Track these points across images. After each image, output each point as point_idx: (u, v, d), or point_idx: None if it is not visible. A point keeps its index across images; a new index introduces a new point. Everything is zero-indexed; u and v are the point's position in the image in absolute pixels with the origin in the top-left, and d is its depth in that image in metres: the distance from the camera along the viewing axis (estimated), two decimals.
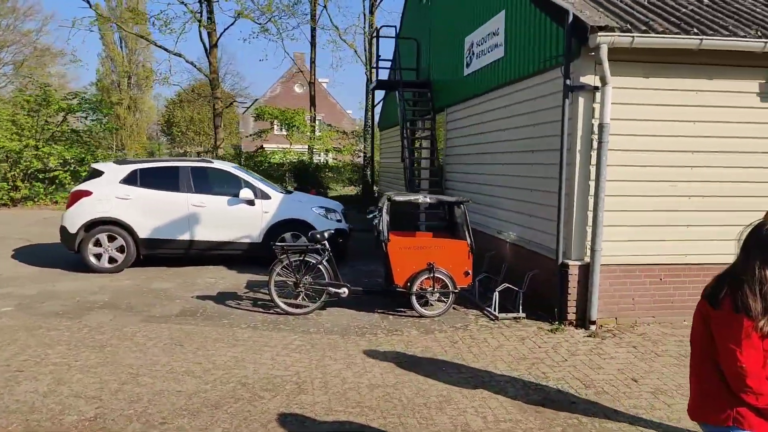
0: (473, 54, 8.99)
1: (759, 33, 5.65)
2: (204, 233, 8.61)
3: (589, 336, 5.50)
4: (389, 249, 6.21)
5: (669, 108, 5.79)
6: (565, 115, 5.77)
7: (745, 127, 5.90)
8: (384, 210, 6.26)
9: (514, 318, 6.06)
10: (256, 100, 44.70)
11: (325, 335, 5.56)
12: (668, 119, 5.80)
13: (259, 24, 23.73)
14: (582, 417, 3.86)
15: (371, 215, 6.44)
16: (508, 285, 6.29)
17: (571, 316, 5.81)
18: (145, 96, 47.82)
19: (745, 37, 5.55)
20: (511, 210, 7.32)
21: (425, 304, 6.30)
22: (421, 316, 6.15)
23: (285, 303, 6.27)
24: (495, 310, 6.15)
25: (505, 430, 3.67)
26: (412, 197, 6.71)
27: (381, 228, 6.25)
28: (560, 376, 4.54)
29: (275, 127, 29.36)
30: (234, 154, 23.97)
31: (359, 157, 24.10)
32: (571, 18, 5.63)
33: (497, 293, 6.20)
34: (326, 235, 6.35)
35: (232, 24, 29.91)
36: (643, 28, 5.52)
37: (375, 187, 19.14)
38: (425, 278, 6.17)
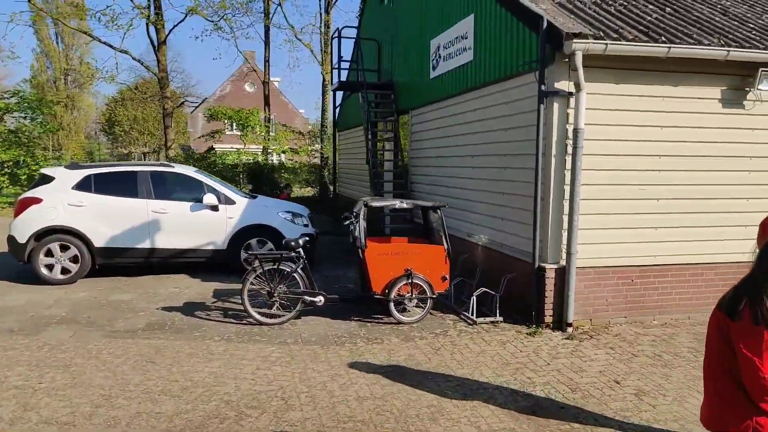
0: (440, 57, 9.03)
1: (722, 42, 5.92)
2: (165, 241, 8.28)
3: (567, 338, 5.62)
4: (367, 256, 6.14)
5: (638, 113, 5.99)
6: (541, 120, 5.87)
7: (709, 132, 6.18)
8: (361, 216, 6.19)
9: (492, 322, 6.12)
10: (205, 99, 43.59)
11: (304, 346, 5.44)
12: (637, 124, 6.00)
13: (212, 21, 23.10)
14: (573, 421, 3.92)
15: (347, 222, 6.35)
16: (484, 289, 6.35)
17: (548, 319, 5.92)
18: (84, 93, 45.70)
19: (709, 45, 5.81)
20: (484, 213, 7.39)
21: (402, 310, 6.27)
22: (399, 322, 6.12)
23: (259, 313, 6.10)
24: (473, 314, 6.19)
25: None
26: (388, 202, 6.67)
27: (357, 234, 6.18)
28: (546, 381, 4.60)
29: (228, 127, 28.68)
30: (184, 156, 23.24)
31: (316, 157, 23.86)
32: (545, 24, 5.73)
33: (474, 298, 6.24)
34: (301, 242, 6.22)
35: (182, 20, 28.82)
36: (614, 35, 5.68)
37: (333, 189, 18.97)
38: (403, 284, 6.14)
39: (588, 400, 4.27)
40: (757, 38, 6.23)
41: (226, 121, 26.34)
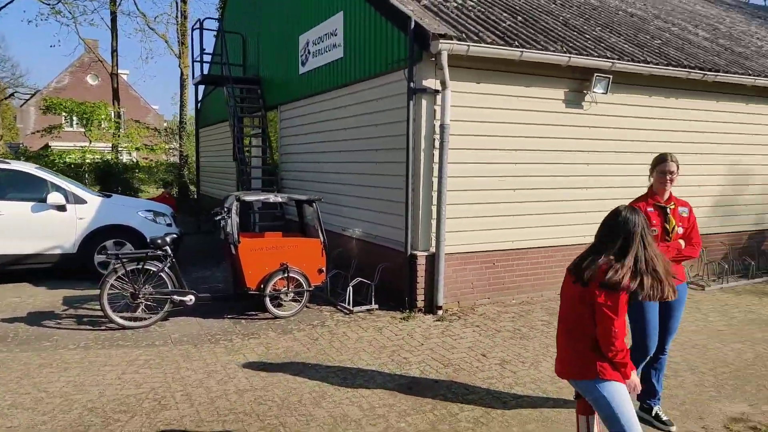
0: (309, 53, 9.17)
1: (564, 48, 6.79)
2: (2, 246, 7.41)
3: (438, 320, 6.07)
4: (240, 251, 6.08)
5: (497, 111, 6.65)
6: (410, 116, 6.27)
7: (554, 128, 7.04)
8: (233, 210, 6.10)
9: (368, 310, 6.39)
10: (38, 91, 39.07)
11: (175, 346, 5.25)
12: (496, 121, 6.66)
13: (48, 5, 20.88)
14: (447, 393, 4.29)
15: (218, 217, 6.22)
16: (360, 279, 6.60)
17: (420, 304, 6.33)
18: None
19: (554, 51, 6.63)
20: (358, 207, 7.66)
21: (279, 305, 6.29)
22: (276, 317, 6.14)
23: (121, 317, 5.75)
24: (349, 304, 6.41)
25: (382, 415, 3.92)
26: (262, 196, 6.64)
27: (230, 230, 6.09)
28: (420, 360, 4.95)
29: (68, 122, 26.07)
30: (14, 155, 20.68)
31: (174, 156, 22.65)
32: (413, 25, 6.14)
33: (351, 288, 6.46)
34: (168, 240, 5.97)
35: (10, 2, 25.58)
36: (475, 38, 6.26)
37: (196, 189, 18.17)
38: (279, 278, 6.17)
39: (459, 373, 4.68)
40: (592, 47, 7.24)
41: (65, 116, 23.95)
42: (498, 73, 6.59)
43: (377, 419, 3.86)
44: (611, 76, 7.04)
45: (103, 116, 21.08)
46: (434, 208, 6.31)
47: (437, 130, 6.26)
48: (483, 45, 6.16)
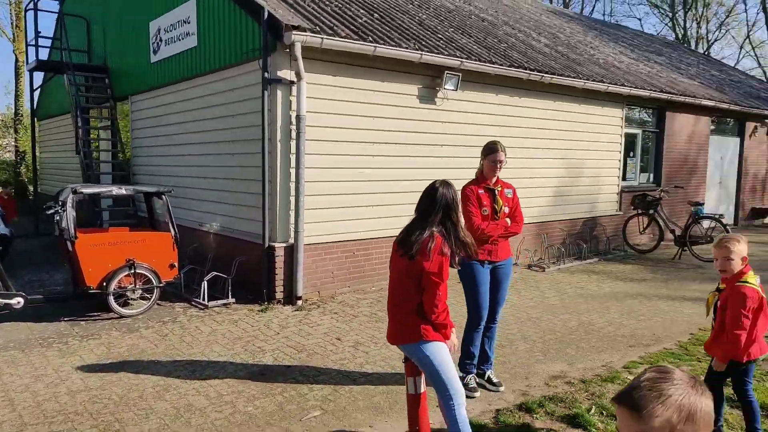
0: (161, 40, 8.80)
1: (417, 46, 7.21)
2: None
3: (297, 310, 6.16)
4: (77, 247, 5.69)
5: (354, 104, 6.88)
6: (265, 106, 6.29)
7: (409, 123, 7.45)
8: (68, 204, 5.70)
9: (224, 304, 6.30)
10: None
11: None
12: (354, 114, 6.89)
13: None
14: (298, 376, 4.39)
15: (51, 211, 5.77)
16: (216, 273, 6.49)
17: (279, 295, 6.38)
18: None
19: (407, 48, 7.01)
20: (215, 201, 7.50)
21: (125, 304, 5.98)
22: (122, 316, 5.84)
23: None
24: (204, 299, 6.27)
25: (229, 402, 3.92)
26: (104, 188, 6.27)
27: (65, 225, 5.68)
28: (275, 347, 5.01)
29: None
30: None
31: (9, 152, 20.39)
32: (266, 15, 6.17)
33: (205, 282, 6.33)
34: None
35: None
36: (330, 32, 6.43)
37: (34, 187, 16.51)
38: (124, 275, 5.87)
39: (312, 357, 4.81)
40: (444, 46, 7.75)
41: None
42: (354, 67, 6.83)
43: (224, 405, 3.86)
44: (461, 74, 7.60)
45: None
46: (293, 200, 6.38)
47: (293, 121, 6.35)
48: (337, 39, 6.36)
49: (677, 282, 7.98)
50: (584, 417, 3.73)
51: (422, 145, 7.62)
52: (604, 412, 3.82)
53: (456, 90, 7.67)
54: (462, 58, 7.57)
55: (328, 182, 6.71)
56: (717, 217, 9.77)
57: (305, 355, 4.85)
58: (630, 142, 11.20)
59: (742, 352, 3.19)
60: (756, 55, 34.94)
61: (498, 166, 4.17)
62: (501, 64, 8.08)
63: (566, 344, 5.26)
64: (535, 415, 3.81)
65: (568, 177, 9.71)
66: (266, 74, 6.24)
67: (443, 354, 2.97)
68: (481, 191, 4.20)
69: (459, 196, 3.07)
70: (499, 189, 4.26)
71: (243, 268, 6.63)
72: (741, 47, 35.57)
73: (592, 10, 38.34)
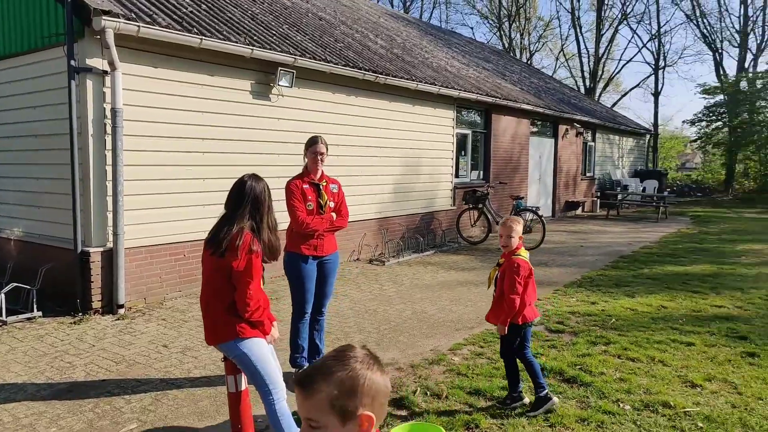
0: None
1: (248, 40, 7.06)
2: None
3: (118, 319, 5.70)
4: None
5: (180, 98, 6.54)
6: (73, 98, 5.74)
7: (244, 119, 7.27)
8: None
9: (28, 319, 5.63)
10: None
11: None
12: (180, 108, 6.55)
13: None
14: (114, 389, 4.07)
15: None
16: (17, 284, 5.77)
17: (97, 304, 5.85)
18: None
19: (237, 42, 6.83)
20: (15, 203, 6.68)
21: None
22: None
23: None
24: (2, 315, 5.54)
25: (28, 425, 3.52)
26: None
27: None
28: (88, 361, 4.59)
29: None
30: None
31: None
32: None
33: (3, 295, 5.59)
34: None
35: None
36: (148, 20, 6.05)
37: None
38: None
39: (133, 367, 4.48)
40: (277, 42, 7.70)
41: None
42: (179, 59, 6.50)
43: (21, 430, 3.45)
44: (295, 71, 7.60)
45: None
46: (110, 200, 5.89)
47: (108, 114, 5.87)
48: (156, 28, 6.00)
49: None
50: (409, 398, 3.93)
51: (258, 142, 7.49)
52: (427, 392, 4.06)
53: (291, 87, 7.66)
54: (296, 55, 7.57)
55: (152, 180, 6.31)
56: (534, 209, 10.91)
57: (124, 366, 4.51)
58: (462, 142, 12.07)
59: (518, 314, 3.69)
60: (569, 65, 39.69)
61: (319, 158, 4.23)
62: (336, 63, 8.23)
63: (399, 333, 5.51)
64: None
65: (407, 174, 10.19)
66: (73, 62, 5.69)
67: (260, 350, 2.94)
68: (305, 186, 4.23)
69: (268, 191, 3.04)
70: (324, 184, 4.32)
71: (52, 277, 5.98)
72: (557, 58, 40.19)
73: (430, 16, 40.84)
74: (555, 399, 3.79)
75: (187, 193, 6.66)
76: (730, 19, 50.57)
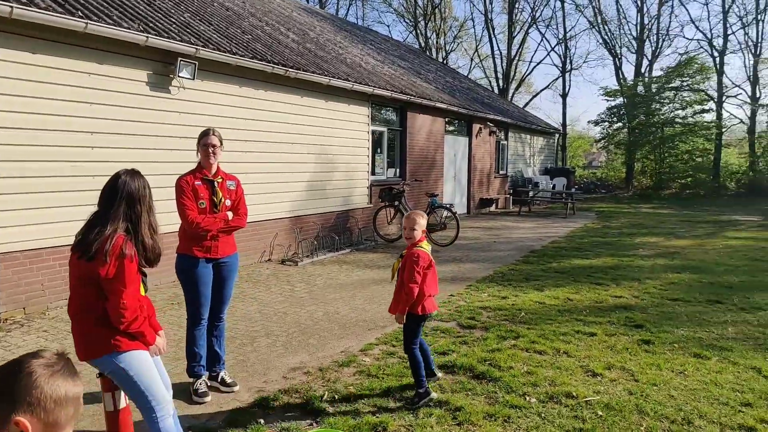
0: None
1: (142, 27, 6.58)
2: None
3: None
4: None
5: (64, 87, 5.98)
6: None
7: (140, 112, 6.78)
8: None
9: None
10: None
11: None
12: (64, 99, 6.00)
13: None
14: None
15: None
16: None
17: None
18: None
19: (128, 29, 6.35)
20: None
21: None
22: None
23: None
24: None
25: None
26: None
27: None
28: None
29: None
30: None
31: None
32: None
33: None
34: None
35: None
36: (24, 0, 5.48)
37: None
38: None
39: None
40: (177, 31, 7.25)
41: None
42: (64, 46, 5.94)
43: None
44: (197, 63, 7.20)
45: None
46: None
47: None
48: (33, 9, 5.43)
49: None
50: (316, 404, 3.76)
51: (157, 137, 7.02)
52: (336, 396, 3.90)
53: (193, 79, 7.24)
54: (198, 45, 7.17)
55: (32, 178, 5.72)
56: (448, 206, 11.04)
57: None
58: (378, 139, 12.02)
59: (417, 304, 3.75)
60: (483, 66, 40.98)
61: (212, 151, 3.95)
62: (242, 55, 7.89)
63: (309, 335, 5.32)
64: (268, 411, 3.72)
65: (321, 172, 9.98)
66: None
67: (141, 363, 2.65)
68: (198, 182, 3.94)
69: (148, 189, 2.73)
70: (220, 180, 4.05)
71: None
72: (472, 59, 41.37)
73: (346, 13, 40.67)
74: (434, 395, 3.86)
75: (73, 191, 6.11)
76: (629, 26, 54.19)
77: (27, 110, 5.65)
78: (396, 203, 11.08)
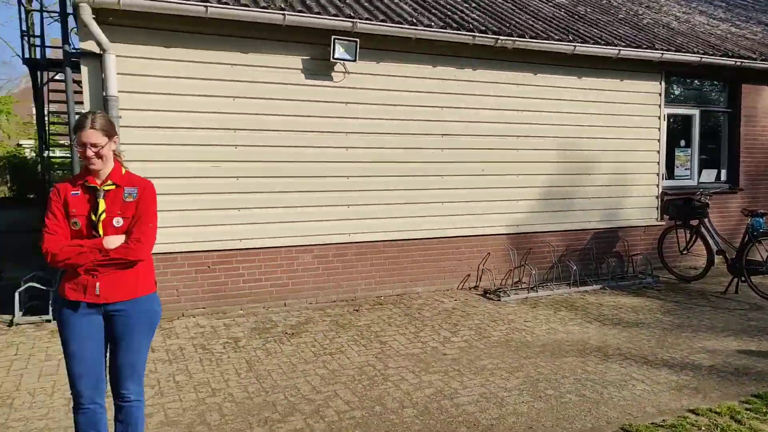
0: None
1: (278, 5, 5.59)
2: None
3: None
4: None
5: (202, 82, 5.52)
6: (69, 87, 5.21)
7: (293, 104, 5.87)
8: None
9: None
10: None
11: None
12: (202, 94, 5.54)
13: None
14: None
15: None
16: None
17: None
18: None
19: (266, 8, 5.44)
20: None
21: None
22: None
23: None
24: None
25: None
26: None
27: None
28: None
29: None
30: None
31: None
32: None
33: None
34: None
35: None
36: None
37: None
38: None
39: None
40: (327, 4, 5.98)
41: None
42: (198, 36, 5.47)
43: None
44: (358, 40, 5.84)
45: None
46: None
47: (108, 104, 5.16)
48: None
49: (688, 332, 5.32)
50: None
51: (316, 133, 6.00)
52: None
53: (355, 61, 5.90)
54: (355, 18, 5.78)
55: (167, 179, 5.32)
56: None
57: None
58: (681, 127, 8.33)
59: None
60: None
61: (87, 151, 2.57)
62: (414, 25, 6.06)
63: (360, 426, 3.40)
64: None
65: (567, 174, 7.35)
66: (66, 47, 5.14)
67: None
68: (74, 192, 2.63)
69: None
70: (110, 188, 2.63)
71: None
72: None
73: None
74: None
75: (213, 194, 5.66)
76: None
77: (168, 108, 5.43)
78: (694, 222, 7.37)
